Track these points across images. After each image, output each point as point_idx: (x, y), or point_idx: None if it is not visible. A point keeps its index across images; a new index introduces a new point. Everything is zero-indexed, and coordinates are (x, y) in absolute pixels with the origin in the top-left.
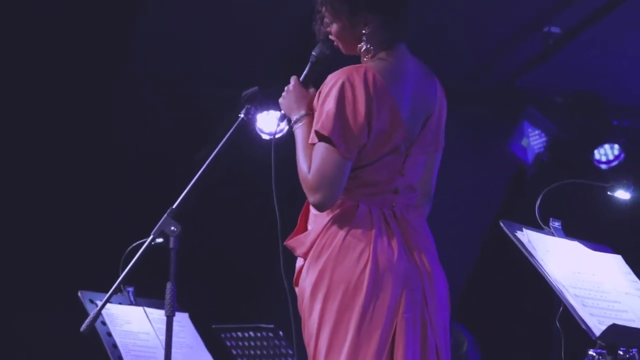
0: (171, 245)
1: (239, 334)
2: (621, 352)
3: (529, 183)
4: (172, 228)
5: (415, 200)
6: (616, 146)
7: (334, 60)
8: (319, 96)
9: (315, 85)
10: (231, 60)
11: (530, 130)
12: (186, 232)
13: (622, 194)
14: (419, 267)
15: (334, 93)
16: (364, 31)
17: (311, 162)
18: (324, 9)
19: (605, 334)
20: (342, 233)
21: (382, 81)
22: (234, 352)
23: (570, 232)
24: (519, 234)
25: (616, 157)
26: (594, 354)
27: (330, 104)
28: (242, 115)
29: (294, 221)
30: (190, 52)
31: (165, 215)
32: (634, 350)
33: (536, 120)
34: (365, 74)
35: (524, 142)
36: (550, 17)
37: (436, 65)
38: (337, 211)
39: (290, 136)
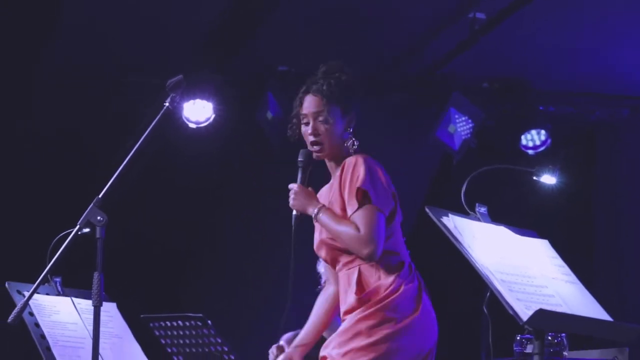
0: (97, 234)
1: (167, 323)
2: (550, 337)
3: (456, 169)
4: (99, 218)
5: None
6: (542, 132)
7: None
8: (342, 178)
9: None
10: (156, 49)
11: (457, 116)
12: (113, 221)
13: (548, 179)
14: None
15: (361, 168)
16: (350, 128)
17: (354, 224)
18: (327, 102)
19: (532, 319)
20: (403, 285)
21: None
22: (163, 341)
23: (496, 217)
24: (444, 219)
25: (543, 143)
26: (522, 340)
27: (361, 176)
28: (167, 104)
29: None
30: (114, 41)
31: (92, 205)
32: (562, 335)
33: (463, 106)
34: (372, 158)
35: (450, 129)
36: (476, 3)
37: (362, 53)
38: (398, 269)
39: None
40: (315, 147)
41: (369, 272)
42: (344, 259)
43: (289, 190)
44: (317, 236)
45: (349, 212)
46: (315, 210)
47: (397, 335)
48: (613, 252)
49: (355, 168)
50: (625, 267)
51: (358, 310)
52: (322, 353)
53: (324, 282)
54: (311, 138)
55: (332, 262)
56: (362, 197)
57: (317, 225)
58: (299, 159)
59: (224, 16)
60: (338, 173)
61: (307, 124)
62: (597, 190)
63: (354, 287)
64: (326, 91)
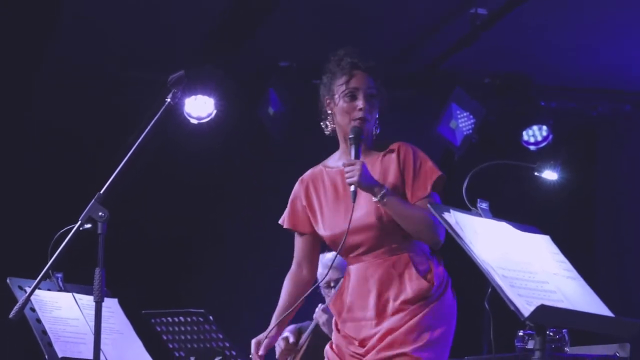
0: (99, 230)
1: (169, 319)
2: (551, 333)
3: (457, 165)
4: (100, 213)
5: None
6: (544, 127)
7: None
8: (401, 161)
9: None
10: (157, 46)
11: (458, 112)
12: (114, 217)
13: (550, 175)
14: None
15: (425, 157)
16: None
17: (427, 210)
18: (378, 85)
19: (533, 314)
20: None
21: None
22: (164, 337)
23: (498, 212)
24: (446, 215)
25: (544, 138)
26: (524, 335)
27: (432, 164)
28: (168, 100)
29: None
30: (115, 38)
31: (93, 200)
32: (564, 330)
33: (464, 102)
34: None
35: (452, 124)
36: None
37: (362, 48)
38: (438, 257)
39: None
40: (361, 123)
41: (418, 259)
42: (390, 244)
43: (349, 165)
44: (360, 217)
45: (418, 196)
46: (384, 191)
47: (450, 328)
48: (614, 248)
49: (417, 154)
50: (626, 262)
51: (426, 301)
52: (391, 352)
53: (324, 283)
54: (360, 114)
55: (370, 248)
56: (435, 184)
57: (357, 206)
58: (350, 136)
59: (225, 13)
60: (390, 157)
61: (354, 98)
62: (599, 186)
63: (414, 274)
64: (375, 72)
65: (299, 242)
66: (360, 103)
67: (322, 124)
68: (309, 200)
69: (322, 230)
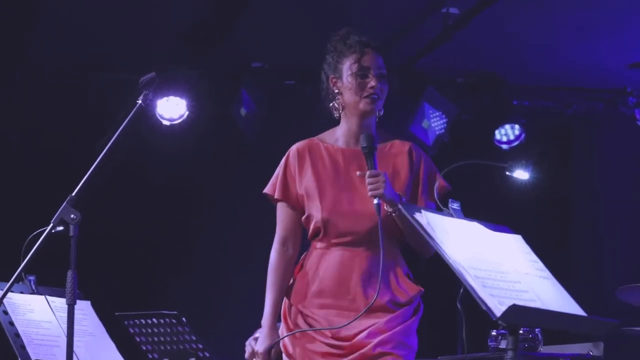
0: (71, 233)
1: (142, 320)
2: (522, 332)
3: None
4: (72, 216)
5: None
6: (517, 126)
7: None
8: (413, 167)
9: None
10: (129, 45)
11: (430, 111)
12: (86, 219)
13: (521, 174)
14: None
15: (435, 168)
16: None
17: None
18: (388, 65)
19: (505, 314)
20: None
21: None
22: (138, 339)
23: (469, 212)
24: (417, 215)
25: (517, 137)
26: (497, 335)
27: (439, 175)
28: (140, 102)
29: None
30: (88, 36)
31: (65, 203)
32: (537, 330)
33: (436, 101)
34: None
35: (424, 124)
36: None
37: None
38: None
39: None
40: (372, 102)
41: (403, 265)
42: (392, 243)
43: (373, 177)
44: (368, 209)
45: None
46: (402, 201)
47: None
48: (591, 247)
49: (431, 163)
50: (603, 262)
51: (412, 305)
52: (382, 349)
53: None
54: (371, 92)
55: (362, 240)
56: (442, 197)
57: (365, 197)
58: (363, 145)
59: (198, 14)
60: (401, 156)
61: (365, 76)
62: (574, 184)
63: (404, 277)
64: (384, 51)
65: (286, 216)
66: (372, 81)
67: (329, 104)
68: (303, 173)
69: (318, 211)
